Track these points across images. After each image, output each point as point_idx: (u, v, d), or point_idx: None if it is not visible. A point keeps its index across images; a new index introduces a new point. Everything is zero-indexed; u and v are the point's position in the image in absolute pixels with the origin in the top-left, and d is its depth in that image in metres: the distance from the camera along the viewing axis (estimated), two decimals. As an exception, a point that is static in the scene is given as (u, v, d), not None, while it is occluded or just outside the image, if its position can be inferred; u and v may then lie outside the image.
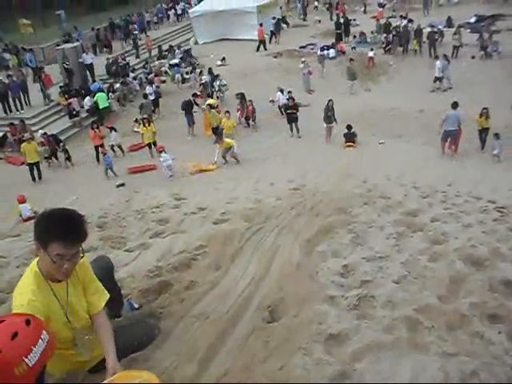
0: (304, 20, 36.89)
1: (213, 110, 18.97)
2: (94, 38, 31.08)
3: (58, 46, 26.81)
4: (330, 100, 17.67)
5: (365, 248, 4.96)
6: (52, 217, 2.64)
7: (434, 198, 7.61)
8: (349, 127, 17.09)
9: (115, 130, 18.39)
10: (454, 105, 15.41)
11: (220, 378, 3.05)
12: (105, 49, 30.51)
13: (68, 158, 17.97)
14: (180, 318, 3.71)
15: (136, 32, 31.07)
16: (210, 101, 19.88)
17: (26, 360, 1.93)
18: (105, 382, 2.42)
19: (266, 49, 30.05)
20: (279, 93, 20.43)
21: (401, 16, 30.01)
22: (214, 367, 3.15)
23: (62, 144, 18.45)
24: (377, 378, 2.94)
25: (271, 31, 31.79)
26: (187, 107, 19.62)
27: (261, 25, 30.70)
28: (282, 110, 19.91)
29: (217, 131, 18.29)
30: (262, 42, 30.21)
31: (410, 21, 28.06)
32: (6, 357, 1.89)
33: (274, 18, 32.55)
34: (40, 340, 2.02)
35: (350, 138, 17.11)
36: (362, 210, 6.50)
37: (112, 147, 18.10)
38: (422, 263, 4.49)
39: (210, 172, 15.01)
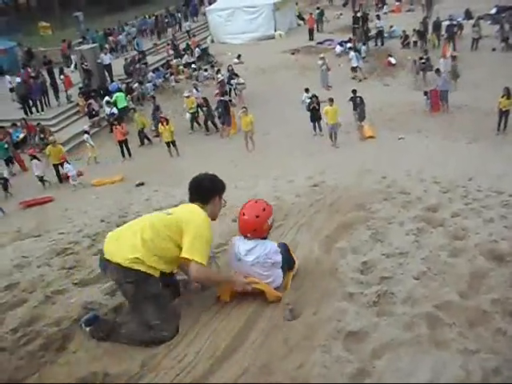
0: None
1: (137, 114, 19.33)
2: (151, 24, 34.82)
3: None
4: (359, 96, 17.75)
5: (384, 244, 4.92)
6: (217, 177, 4.04)
7: (455, 193, 7.51)
8: (354, 91, 18.66)
9: (38, 159, 16.64)
10: (438, 71, 20.07)
11: (239, 376, 3.06)
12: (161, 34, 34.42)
13: (5, 188, 15.88)
14: (199, 316, 3.73)
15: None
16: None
17: (268, 222, 3.92)
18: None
19: (312, 39, 30.17)
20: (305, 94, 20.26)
21: (377, 16, 29.50)
22: (234, 365, 3.16)
23: None
24: (397, 375, 2.91)
25: (316, 20, 32.52)
26: (224, 108, 19.70)
27: (311, 14, 32.20)
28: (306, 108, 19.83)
29: (141, 134, 19.29)
30: (311, 30, 30.79)
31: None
32: (261, 218, 3.86)
33: (318, 9, 33.80)
34: (271, 216, 3.98)
35: (357, 101, 18.40)
36: (382, 206, 6.44)
37: (41, 179, 16.40)
38: (442, 259, 4.44)
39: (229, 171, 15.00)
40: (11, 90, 23.31)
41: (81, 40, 31.05)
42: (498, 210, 6.12)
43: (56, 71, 24.54)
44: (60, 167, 16.57)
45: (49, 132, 19.27)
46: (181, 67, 26.79)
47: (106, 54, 25.51)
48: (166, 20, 36.15)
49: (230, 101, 21.18)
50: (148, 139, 19.85)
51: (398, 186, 8.02)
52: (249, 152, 17.63)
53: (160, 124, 18.17)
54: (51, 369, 3.31)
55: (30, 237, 7.56)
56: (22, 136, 19.47)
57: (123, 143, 18.25)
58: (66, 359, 3.36)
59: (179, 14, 37.40)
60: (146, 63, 27.18)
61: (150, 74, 25.32)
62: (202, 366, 3.16)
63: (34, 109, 21.85)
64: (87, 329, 3.55)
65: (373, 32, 28.41)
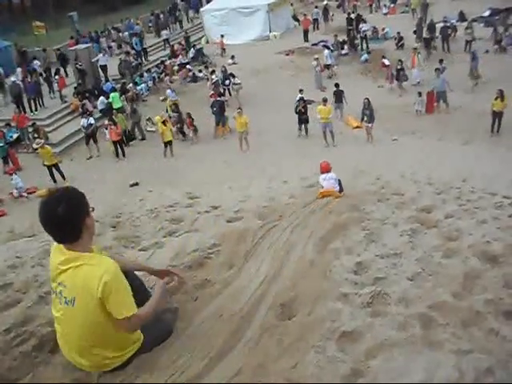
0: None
1: (120, 115, 19.40)
2: (154, 21, 34.88)
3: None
4: (366, 98, 17.70)
5: (378, 245, 4.94)
6: (69, 190, 3.02)
7: (449, 194, 7.56)
8: (336, 85, 19.58)
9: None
10: (437, 70, 19.89)
11: (233, 376, 3.05)
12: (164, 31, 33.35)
13: None
14: (194, 317, 3.73)
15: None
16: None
17: (330, 166, 9.15)
18: None
19: (307, 40, 30.15)
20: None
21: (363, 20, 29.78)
22: (228, 365, 3.16)
23: None
24: (391, 375, 2.92)
25: (314, 19, 32.74)
26: (219, 108, 19.72)
27: (305, 15, 32.23)
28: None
29: (124, 135, 19.35)
30: (306, 31, 30.81)
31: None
32: (328, 166, 9.00)
33: (316, 7, 34.25)
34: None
35: (339, 94, 19.38)
36: (376, 207, 6.47)
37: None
38: (436, 260, 4.46)
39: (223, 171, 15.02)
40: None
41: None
42: (491, 211, 6.16)
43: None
44: (54, 169, 16.48)
45: (42, 132, 19.16)
46: (176, 67, 26.71)
47: (104, 54, 25.53)
48: (156, 22, 35.69)
49: (223, 100, 21.16)
50: (127, 141, 19.78)
51: (392, 187, 8.07)
52: (243, 152, 17.63)
53: (162, 124, 18.13)
54: (45, 369, 3.30)
55: (24, 237, 7.52)
56: (15, 136, 19.40)
57: (117, 143, 18.23)
58: (60, 360, 3.34)
59: (182, 12, 37.51)
60: (140, 63, 27.09)
61: (145, 74, 25.24)
62: (196, 366, 3.16)
63: (27, 109, 21.77)
64: None
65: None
